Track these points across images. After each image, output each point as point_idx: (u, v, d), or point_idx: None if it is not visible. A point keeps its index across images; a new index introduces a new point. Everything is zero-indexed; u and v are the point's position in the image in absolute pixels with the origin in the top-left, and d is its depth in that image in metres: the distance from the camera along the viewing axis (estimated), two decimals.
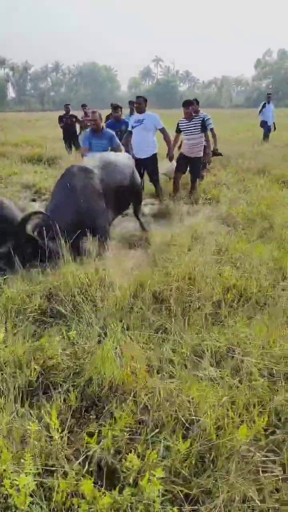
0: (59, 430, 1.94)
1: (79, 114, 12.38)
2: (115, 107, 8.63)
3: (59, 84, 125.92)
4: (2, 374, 2.44)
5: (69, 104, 12.41)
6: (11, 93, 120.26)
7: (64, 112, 12.19)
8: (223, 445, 1.90)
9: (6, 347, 2.66)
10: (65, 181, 4.47)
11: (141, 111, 6.76)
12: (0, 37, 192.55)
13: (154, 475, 1.68)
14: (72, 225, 4.13)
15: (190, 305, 3.21)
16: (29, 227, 4.05)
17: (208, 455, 1.90)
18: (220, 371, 2.42)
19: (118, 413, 2.04)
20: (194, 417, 2.04)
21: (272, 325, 2.83)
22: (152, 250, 4.38)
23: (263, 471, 1.83)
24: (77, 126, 12.44)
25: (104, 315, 3.06)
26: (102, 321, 2.99)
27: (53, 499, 1.69)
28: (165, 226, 5.67)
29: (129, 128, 7.10)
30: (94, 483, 1.72)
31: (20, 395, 2.31)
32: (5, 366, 2.50)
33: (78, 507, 1.64)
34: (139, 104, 6.77)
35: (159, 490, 1.67)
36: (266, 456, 1.91)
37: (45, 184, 8.49)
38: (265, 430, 2.03)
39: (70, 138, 12.13)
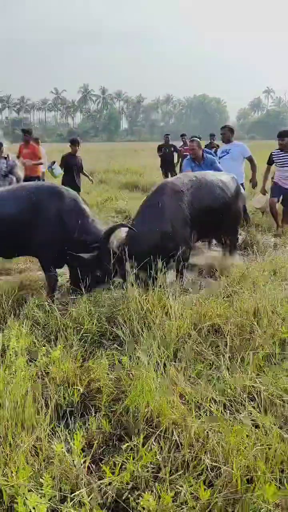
0: (82, 456, 1.93)
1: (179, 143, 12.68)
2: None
3: (169, 115, 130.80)
4: (47, 390, 2.51)
5: (169, 135, 12.79)
6: (124, 124, 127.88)
7: (163, 142, 12.57)
8: (249, 501, 1.72)
9: (57, 364, 2.74)
10: (154, 198, 4.49)
11: (227, 141, 6.68)
12: (117, 74, 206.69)
13: None
14: (153, 246, 4.12)
15: (249, 342, 3.02)
16: (113, 241, 4.20)
17: (230, 509, 1.73)
18: (265, 417, 2.22)
19: (143, 451, 1.95)
20: (222, 465, 1.89)
21: None
22: (223, 281, 4.23)
23: None
24: (175, 155, 12.73)
25: (158, 343, 3.01)
26: (156, 349, 2.94)
27: None
28: (246, 257, 5.48)
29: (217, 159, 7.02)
30: None
31: (59, 413, 2.35)
32: (52, 382, 2.57)
33: None
34: (224, 134, 6.68)
35: None
36: None
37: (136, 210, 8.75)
38: None
39: (167, 167, 12.42)
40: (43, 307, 3.59)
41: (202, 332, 3.14)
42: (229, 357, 2.82)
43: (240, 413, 2.25)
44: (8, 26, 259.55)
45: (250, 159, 6.65)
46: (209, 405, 2.31)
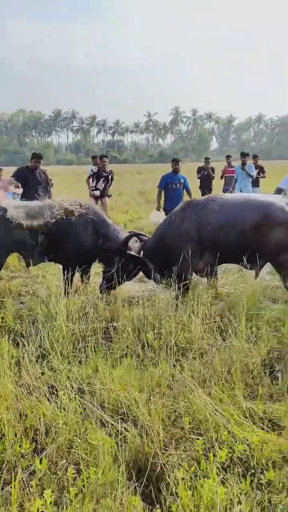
0: None
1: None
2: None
3: (261, 135, 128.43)
4: None
5: (209, 158, 12.84)
6: (214, 144, 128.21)
7: (204, 163, 12.54)
8: None
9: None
10: (171, 214, 4.98)
11: None
12: (206, 94, 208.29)
13: None
14: (155, 258, 4.80)
15: None
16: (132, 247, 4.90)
17: None
18: None
19: None
20: None
21: None
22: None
23: None
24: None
25: None
26: None
27: None
28: None
29: None
30: None
31: None
32: None
33: None
34: None
35: None
36: None
37: None
38: None
39: (205, 188, 12.34)
40: None
41: None
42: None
43: None
44: (100, 52, 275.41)
45: None
46: None
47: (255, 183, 12.43)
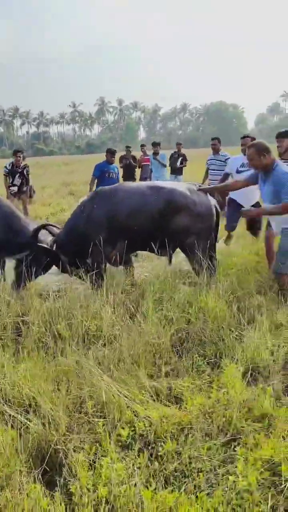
0: None
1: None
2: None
3: (187, 124, 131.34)
4: None
5: (130, 147, 12.94)
6: (142, 133, 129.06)
7: (125, 152, 12.60)
8: None
9: None
10: (80, 205, 5.01)
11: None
12: (133, 83, 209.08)
13: None
14: (67, 249, 4.79)
15: None
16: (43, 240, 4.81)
17: None
18: None
19: None
20: None
21: None
22: None
23: None
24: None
25: None
26: None
27: None
28: None
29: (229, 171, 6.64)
30: None
31: None
32: None
33: None
34: (244, 144, 5.83)
35: None
36: None
37: None
38: None
39: (128, 177, 12.39)
40: None
41: None
42: None
43: None
44: (25, 44, 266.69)
45: None
46: None
47: (178, 171, 12.71)
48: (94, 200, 4.85)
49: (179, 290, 4.32)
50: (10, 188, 9.50)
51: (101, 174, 8.53)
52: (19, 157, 9.58)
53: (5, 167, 9.61)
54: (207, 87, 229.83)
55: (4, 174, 9.68)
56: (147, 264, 5.92)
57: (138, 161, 12.28)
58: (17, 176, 9.47)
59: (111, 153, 8.75)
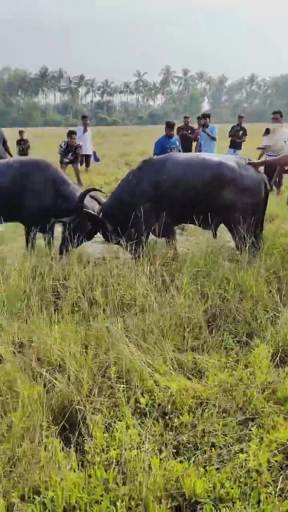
0: None
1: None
2: None
3: (254, 96, 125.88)
4: None
5: (188, 117, 12.54)
6: (206, 105, 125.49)
7: (183, 123, 12.27)
8: None
9: None
10: (128, 174, 5.02)
11: None
12: (197, 52, 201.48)
13: None
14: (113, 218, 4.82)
15: None
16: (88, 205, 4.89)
17: None
18: None
19: None
20: None
21: None
22: None
23: None
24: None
25: None
26: None
27: None
28: None
29: None
30: None
31: None
32: None
33: None
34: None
35: None
36: None
37: None
38: None
39: (184, 150, 12.04)
40: None
41: None
42: None
43: None
44: (89, 9, 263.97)
45: None
46: None
47: (237, 146, 12.26)
48: (141, 170, 4.83)
49: (218, 266, 4.26)
50: (62, 164, 9.96)
51: (162, 150, 8.30)
52: (74, 138, 10.10)
53: (60, 146, 10.19)
54: (277, 58, 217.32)
55: (59, 153, 10.28)
56: (192, 238, 5.86)
57: (195, 134, 11.94)
58: (70, 154, 10.13)
59: (169, 126, 8.48)
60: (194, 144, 12.16)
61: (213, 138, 10.02)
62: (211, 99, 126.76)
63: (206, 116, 10.20)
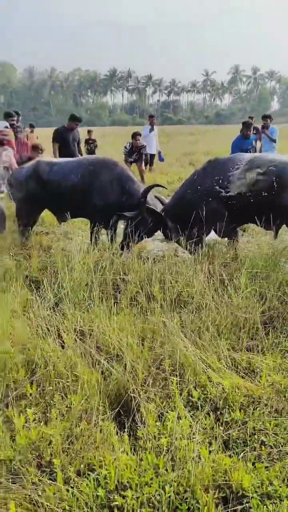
0: None
1: None
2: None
3: None
4: None
5: (252, 117, 12.31)
6: (275, 105, 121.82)
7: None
8: None
9: None
10: (194, 173, 5.11)
11: None
12: (269, 51, 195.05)
13: None
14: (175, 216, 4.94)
15: None
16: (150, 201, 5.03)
17: None
18: None
19: None
20: None
21: None
22: None
23: None
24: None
25: None
26: None
27: None
28: None
29: None
30: None
31: None
32: None
33: None
34: None
35: None
36: None
37: None
38: None
39: None
40: None
41: None
42: None
43: None
44: (157, 10, 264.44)
45: None
46: None
47: None
48: (206, 169, 4.88)
49: (279, 268, 4.20)
50: (126, 163, 10.30)
51: (240, 152, 8.27)
52: (138, 139, 10.38)
53: (125, 147, 10.57)
54: None
55: (123, 153, 10.65)
56: (254, 240, 5.80)
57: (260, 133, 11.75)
58: (134, 155, 10.48)
59: (246, 126, 8.36)
60: (259, 144, 11.98)
61: (273, 140, 9.81)
62: (281, 99, 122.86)
63: (266, 117, 10.00)
